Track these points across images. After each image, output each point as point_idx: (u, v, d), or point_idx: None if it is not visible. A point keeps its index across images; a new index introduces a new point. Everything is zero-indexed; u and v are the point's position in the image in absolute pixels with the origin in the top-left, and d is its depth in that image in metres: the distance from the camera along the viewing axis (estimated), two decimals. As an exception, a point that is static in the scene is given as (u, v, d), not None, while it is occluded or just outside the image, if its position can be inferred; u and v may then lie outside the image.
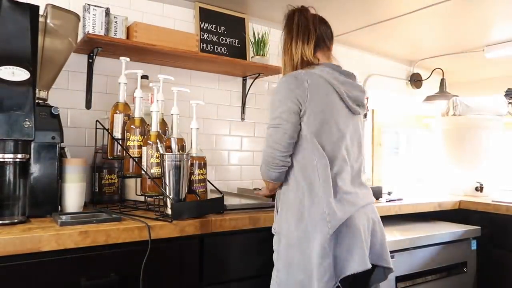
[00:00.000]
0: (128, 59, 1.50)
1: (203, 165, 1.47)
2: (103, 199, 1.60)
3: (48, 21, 1.35)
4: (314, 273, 1.18)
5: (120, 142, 1.44)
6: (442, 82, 2.94)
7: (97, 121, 1.48)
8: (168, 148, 1.41)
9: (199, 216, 1.35)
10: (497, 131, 2.51)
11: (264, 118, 2.27)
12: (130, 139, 1.41)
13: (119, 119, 1.46)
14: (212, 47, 2.11)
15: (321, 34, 1.37)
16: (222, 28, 2.17)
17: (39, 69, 1.32)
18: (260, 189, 1.70)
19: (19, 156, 1.21)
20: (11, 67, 1.16)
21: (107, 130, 1.47)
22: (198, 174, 1.45)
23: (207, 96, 2.16)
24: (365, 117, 1.57)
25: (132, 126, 1.42)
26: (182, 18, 2.07)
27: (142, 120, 1.44)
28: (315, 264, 1.18)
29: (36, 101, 1.27)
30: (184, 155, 1.35)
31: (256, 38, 2.18)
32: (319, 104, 1.26)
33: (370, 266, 1.21)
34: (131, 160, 1.40)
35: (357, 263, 1.19)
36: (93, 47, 1.70)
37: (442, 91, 2.92)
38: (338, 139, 1.28)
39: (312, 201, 1.22)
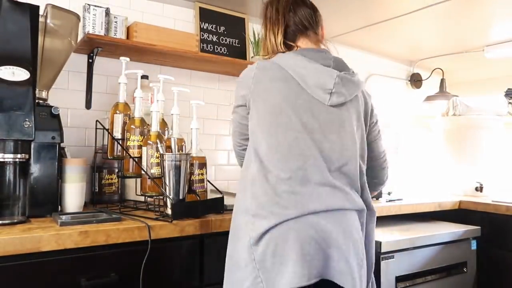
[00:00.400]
0: (128, 59, 1.50)
1: (203, 165, 1.47)
2: (103, 199, 1.59)
3: (48, 21, 1.35)
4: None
5: (120, 142, 1.44)
6: (442, 82, 2.94)
7: (97, 121, 1.48)
8: (168, 148, 1.41)
9: (199, 216, 1.35)
10: (497, 131, 2.51)
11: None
12: (130, 139, 1.41)
13: (119, 119, 1.46)
14: (212, 47, 2.11)
15: (299, 20, 1.22)
16: (222, 28, 2.17)
17: (39, 69, 1.32)
18: None
19: (19, 156, 1.21)
20: (11, 67, 1.16)
21: (107, 130, 1.47)
22: (198, 174, 1.45)
23: (207, 96, 2.16)
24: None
25: (132, 126, 1.42)
26: (182, 18, 2.07)
27: (142, 120, 1.44)
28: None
29: (36, 101, 1.27)
30: (184, 155, 1.35)
31: (256, 38, 2.18)
32: (262, 92, 1.14)
33: (306, 283, 1.01)
34: (131, 160, 1.40)
35: (289, 279, 1.00)
36: (93, 47, 1.70)
37: (442, 91, 2.92)
38: (287, 131, 1.10)
39: (245, 201, 1.12)
